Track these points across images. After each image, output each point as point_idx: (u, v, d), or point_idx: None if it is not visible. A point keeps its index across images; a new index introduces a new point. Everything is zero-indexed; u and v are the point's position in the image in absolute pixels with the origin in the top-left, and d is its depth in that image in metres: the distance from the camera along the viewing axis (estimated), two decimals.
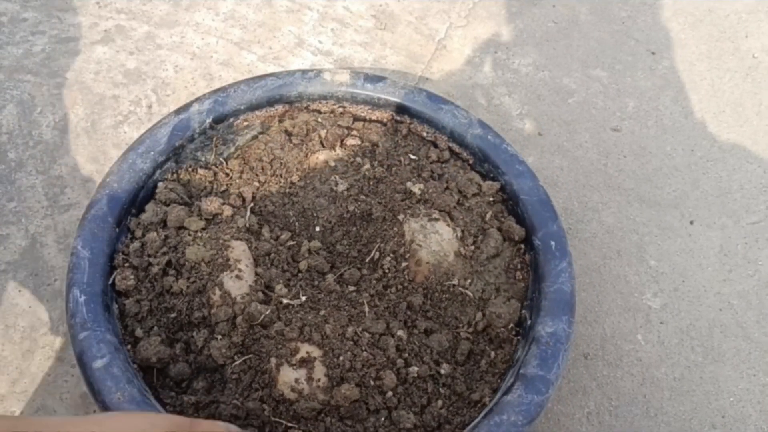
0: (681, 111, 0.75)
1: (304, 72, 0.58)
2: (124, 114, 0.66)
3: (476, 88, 0.74)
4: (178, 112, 0.55)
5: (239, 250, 0.48)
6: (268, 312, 0.44)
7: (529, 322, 0.47)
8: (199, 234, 0.49)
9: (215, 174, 0.55)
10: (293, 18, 0.78)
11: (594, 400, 0.54)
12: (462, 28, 0.80)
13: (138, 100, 0.68)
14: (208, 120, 0.55)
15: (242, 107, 0.57)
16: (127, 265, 0.48)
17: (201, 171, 0.55)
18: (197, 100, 0.56)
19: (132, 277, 0.47)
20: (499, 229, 0.52)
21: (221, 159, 0.56)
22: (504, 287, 0.50)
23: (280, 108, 0.59)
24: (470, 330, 0.48)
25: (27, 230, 0.58)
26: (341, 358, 0.43)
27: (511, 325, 0.48)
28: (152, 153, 0.53)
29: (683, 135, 0.73)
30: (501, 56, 0.78)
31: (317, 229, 0.51)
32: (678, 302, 0.60)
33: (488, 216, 0.53)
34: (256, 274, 0.47)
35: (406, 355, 0.46)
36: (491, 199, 0.54)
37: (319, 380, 0.42)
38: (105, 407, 0.40)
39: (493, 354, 0.47)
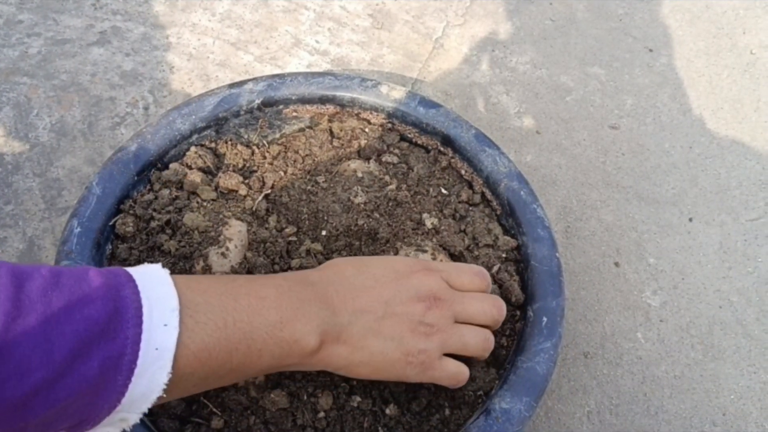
0: (679, 108, 0.75)
1: (363, 80, 0.58)
2: (121, 116, 0.66)
3: (474, 87, 0.74)
4: (231, 86, 0.56)
5: (235, 230, 0.48)
6: None
7: (493, 392, 0.45)
8: (206, 204, 0.50)
9: (253, 153, 0.56)
10: (290, 18, 0.78)
11: (594, 398, 0.54)
12: (459, 27, 0.80)
13: (135, 101, 0.68)
14: (258, 101, 0.56)
15: (293, 98, 0.57)
16: (131, 212, 0.49)
17: (240, 147, 0.55)
18: (252, 79, 0.57)
19: (132, 224, 0.48)
20: (500, 287, 0.49)
21: (264, 142, 0.57)
22: None
23: (331, 108, 0.59)
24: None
25: (24, 233, 0.57)
26: None
27: (481, 392, 0.45)
28: (194, 117, 0.54)
29: (681, 132, 0.72)
30: (498, 54, 0.78)
31: (323, 233, 0.51)
32: (678, 300, 0.60)
33: (495, 269, 0.50)
34: (245, 257, 0.47)
35: (354, 382, 0.44)
36: (504, 255, 0.51)
37: (256, 377, 0.42)
38: None
39: (448, 412, 0.45)
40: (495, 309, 0.42)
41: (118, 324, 0.28)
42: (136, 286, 0.29)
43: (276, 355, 0.34)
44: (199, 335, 0.31)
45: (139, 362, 0.28)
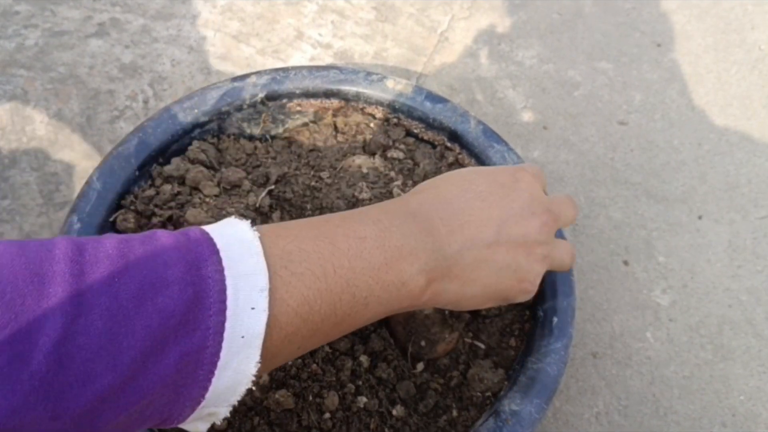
0: (688, 104, 0.74)
1: (368, 73, 0.57)
2: (120, 109, 0.65)
3: (479, 81, 0.73)
4: (234, 79, 0.55)
5: None
6: None
7: (502, 393, 0.44)
8: (209, 199, 0.49)
9: (256, 148, 0.55)
10: (292, 10, 0.76)
11: (603, 399, 0.53)
12: (465, 20, 0.79)
13: (134, 95, 0.66)
14: (261, 95, 0.55)
15: (297, 91, 0.56)
16: (132, 208, 0.48)
17: (243, 141, 0.54)
18: (256, 73, 0.56)
19: (133, 220, 0.47)
20: None
21: (267, 136, 0.56)
22: (495, 350, 0.46)
23: (335, 102, 0.57)
24: (441, 382, 0.45)
25: (21, 228, 0.56)
26: (289, 363, 0.42)
27: (489, 393, 0.44)
28: (196, 111, 0.53)
29: (690, 128, 0.71)
30: (504, 48, 0.76)
31: None
32: (687, 299, 0.59)
33: None
34: None
35: (360, 383, 0.43)
36: None
37: (260, 377, 0.41)
38: None
39: (455, 413, 0.44)
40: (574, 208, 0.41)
41: (198, 313, 0.24)
42: (219, 261, 0.25)
43: (383, 301, 0.31)
44: (298, 288, 0.27)
45: (222, 354, 0.24)
